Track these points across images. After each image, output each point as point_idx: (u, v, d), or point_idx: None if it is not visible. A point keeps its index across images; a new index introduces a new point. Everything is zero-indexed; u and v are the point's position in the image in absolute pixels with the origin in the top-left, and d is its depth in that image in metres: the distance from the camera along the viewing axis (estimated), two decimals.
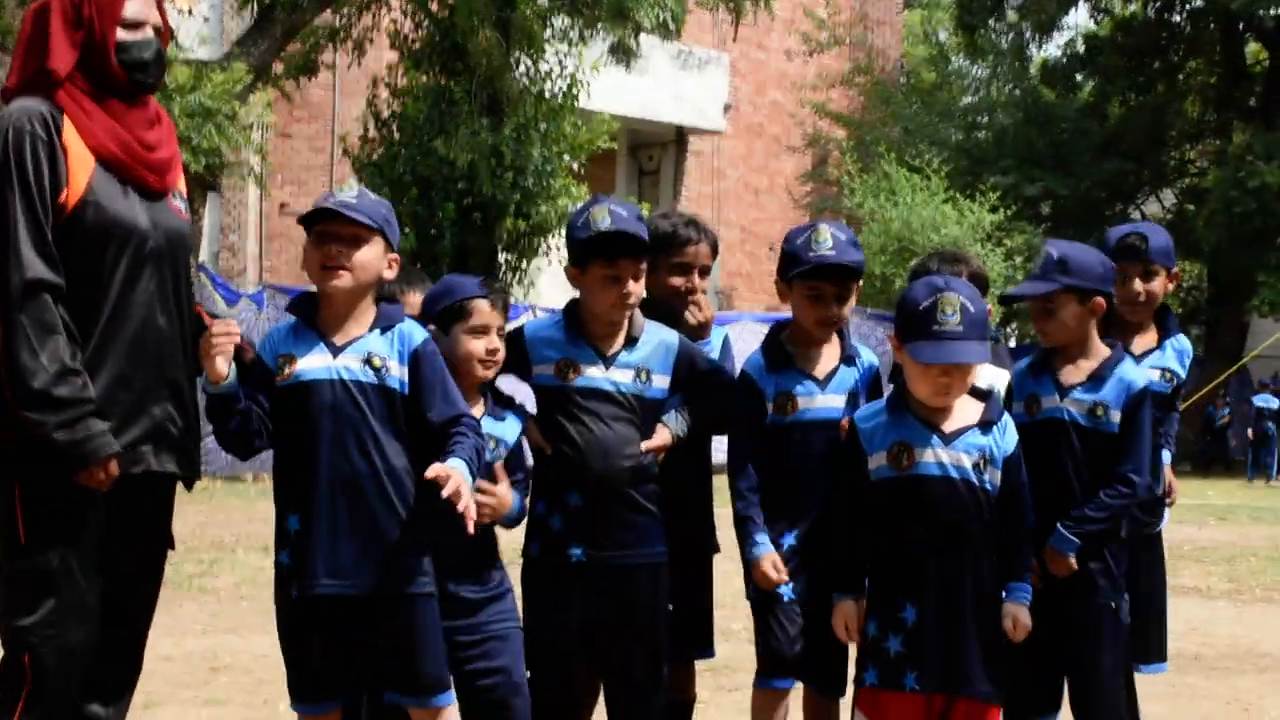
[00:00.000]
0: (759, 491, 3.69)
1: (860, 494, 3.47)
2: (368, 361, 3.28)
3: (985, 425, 3.45)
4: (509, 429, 3.61)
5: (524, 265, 16.41)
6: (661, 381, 3.72)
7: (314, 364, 3.28)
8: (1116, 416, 3.73)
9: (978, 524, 3.40)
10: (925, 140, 25.05)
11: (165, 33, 3.31)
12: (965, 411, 3.47)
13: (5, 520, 3.08)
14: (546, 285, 16.39)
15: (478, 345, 3.51)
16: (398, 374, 3.30)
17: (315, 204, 3.37)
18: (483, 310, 3.52)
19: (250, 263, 20.25)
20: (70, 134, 3.11)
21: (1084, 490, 3.72)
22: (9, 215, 3.02)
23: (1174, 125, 26.59)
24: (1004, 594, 3.46)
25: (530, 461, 3.71)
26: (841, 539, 3.54)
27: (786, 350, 3.76)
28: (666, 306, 3.92)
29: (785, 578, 3.64)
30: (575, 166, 17.06)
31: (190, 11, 14.33)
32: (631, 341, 3.70)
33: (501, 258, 16.36)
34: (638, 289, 3.65)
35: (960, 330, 3.33)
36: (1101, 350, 3.83)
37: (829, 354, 3.78)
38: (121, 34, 3.20)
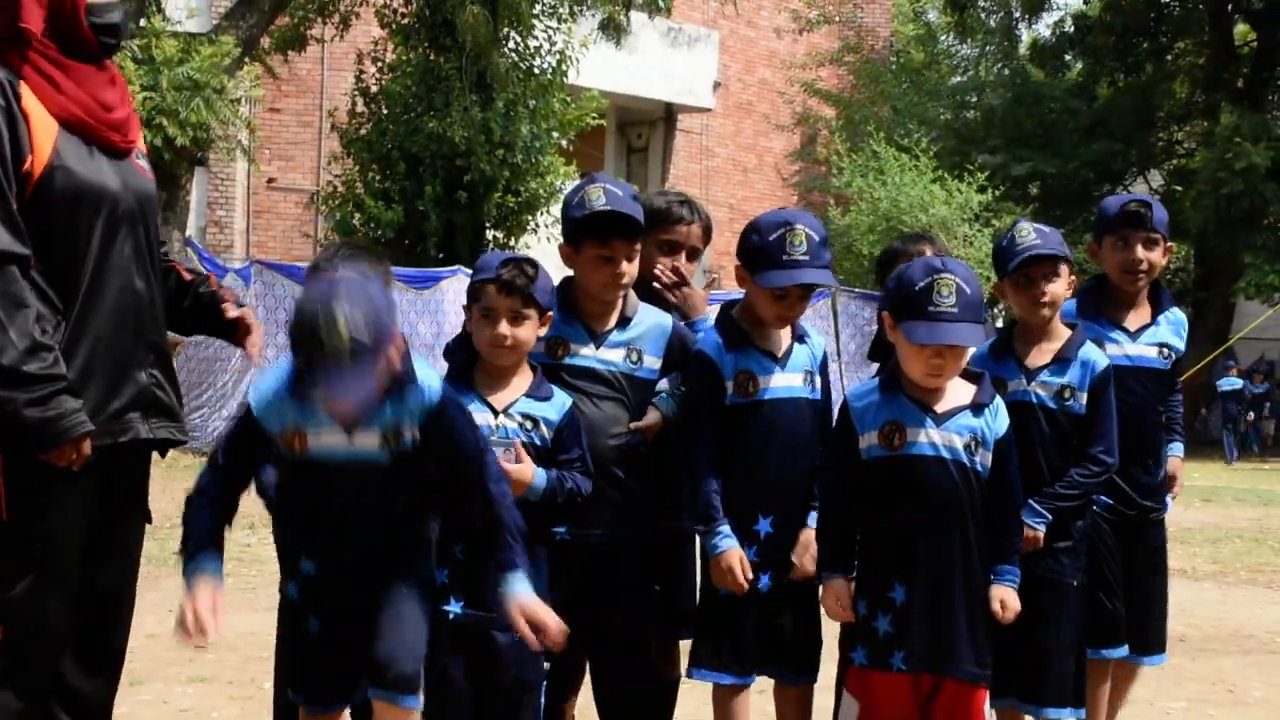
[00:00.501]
0: (721, 477, 3.57)
1: (851, 473, 3.46)
2: (385, 438, 3.09)
3: (977, 407, 3.45)
4: (553, 407, 3.48)
5: (512, 243, 16.38)
6: (653, 362, 3.69)
7: (328, 444, 3.09)
8: (1084, 398, 3.80)
9: (968, 505, 3.39)
10: (914, 119, 25.03)
11: None
12: (957, 393, 3.45)
13: None
14: None
15: (484, 331, 3.43)
16: (410, 436, 3.12)
17: (305, 327, 2.88)
18: (488, 294, 3.42)
19: (237, 237, 20.18)
20: (30, 99, 3.01)
21: (1051, 471, 3.78)
22: None
23: (1162, 106, 26.59)
24: (992, 576, 3.46)
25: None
26: (832, 517, 3.53)
27: (742, 328, 3.68)
28: (652, 286, 3.90)
29: (746, 581, 3.54)
30: (564, 144, 17.02)
31: None
32: (624, 321, 3.67)
33: (490, 235, 16.34)
34: (631, 269, 3.62)
35: (956, 312, 3.30)
36: (1063, 331, 3.88)
37: (783, 332, 3.72)
38: None
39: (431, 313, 14.75)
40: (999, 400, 3.53)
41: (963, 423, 3.42)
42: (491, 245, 16.10)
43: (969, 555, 3.40)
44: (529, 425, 3.45)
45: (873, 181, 21.42)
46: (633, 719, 3.75)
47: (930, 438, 3.39)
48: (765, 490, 3.62)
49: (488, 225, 16.31)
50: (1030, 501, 3.70)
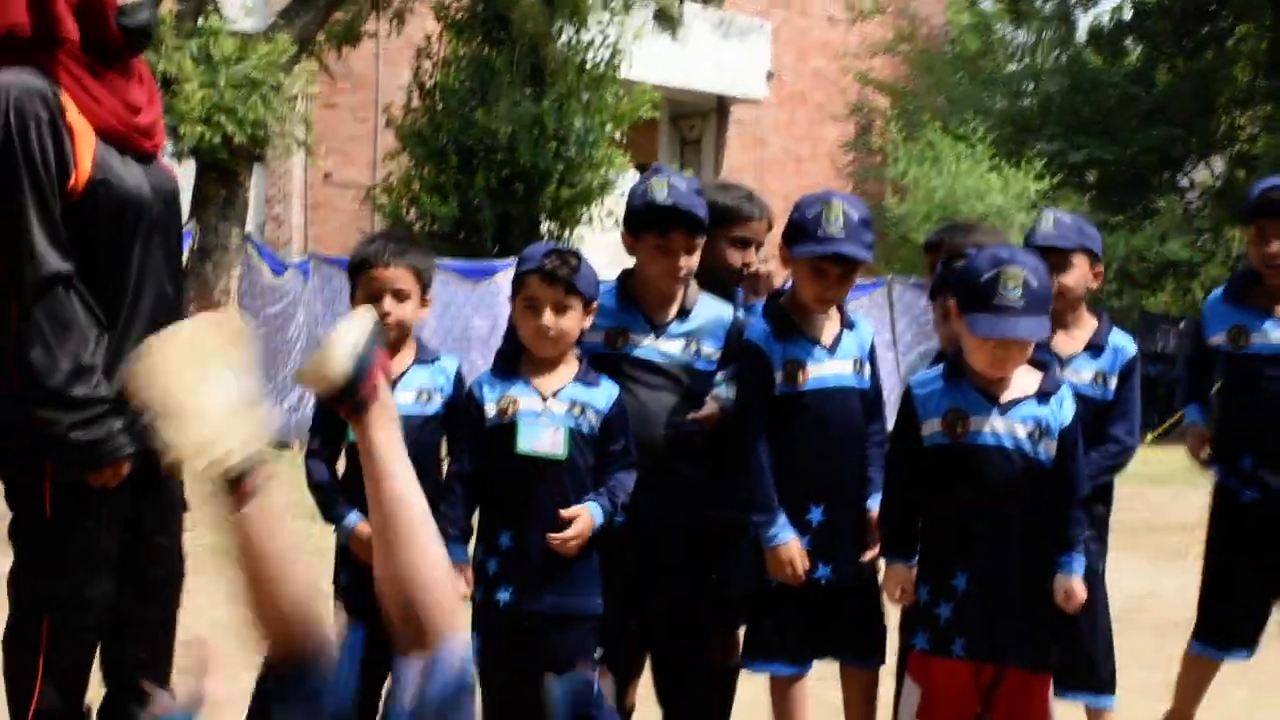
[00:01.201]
0: (774, 469, 3.59)
1: (913, 459, 3.44)
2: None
3: (1043, 396, 3.41)
4: (602, 394, 3.51)
5: (567, 234, 16.43)
6: (712, 353, 3.70)
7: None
8: (1114, 383, 3.80)
9: (1030, 495, 3.37)
10: (969, 108, 24.83)
11: None
12: (1023, 381, 3.42)
13: (33, 495, 3.00)
14: (590, 253, 16.35)
15: (528, 322, 3.46)
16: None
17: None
18: (531, 285, 3.45)
19: (295, 233, 20.37)
20: (72, 111, 2.96)
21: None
22: (22, 207, 2.87)
23: (1223, 91, 26.20)
24: (1057, 566, 3.44)
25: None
26: (894, 504, 3.53)
27: (790, 317, 3.69)
28: (721, 279, 3.91)
29: (803, 572, 3.58)
30: (617, 136, 17.04)
31: None
32: (684, 313, 3.69)
33: (544, 226, 16.39)
34: (690, 262, 3.63)
35: (1021, 305, 3.26)
36: (1090, 320, 3.85)
37: (831, 320, 3.73)
38: None
39: (487, 305, 14.82)
40: (1065, 389, 3.49)
41: (1027, 412, 3.39)
42: (546, 237, 16.15)
43: (1030, 544, 3.39)
44: (576, 411, 3.48)
45: (928, 170, 21.28)
46: (692, 705, 3.77)
47: (994, 427, 3.36)
48: (816, 479, 3.63)
49: (542, 217, 16.36)
50: None
